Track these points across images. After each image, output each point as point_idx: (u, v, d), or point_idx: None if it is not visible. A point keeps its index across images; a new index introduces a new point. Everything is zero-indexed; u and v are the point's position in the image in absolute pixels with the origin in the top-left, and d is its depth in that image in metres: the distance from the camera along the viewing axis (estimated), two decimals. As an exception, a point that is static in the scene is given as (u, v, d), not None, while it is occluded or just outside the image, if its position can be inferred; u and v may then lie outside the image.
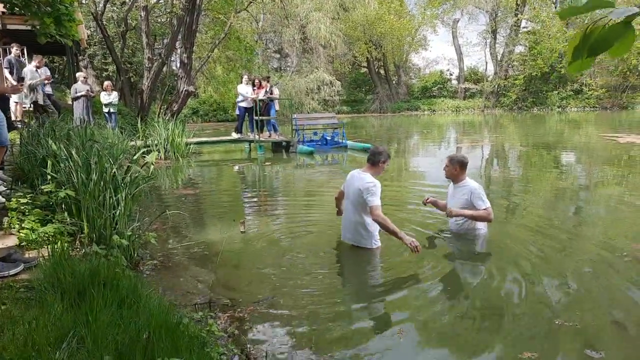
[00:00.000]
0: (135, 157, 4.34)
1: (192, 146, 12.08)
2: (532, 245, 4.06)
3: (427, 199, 4.52)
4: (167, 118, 12.72)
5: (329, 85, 34.72)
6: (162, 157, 11.09)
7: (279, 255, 4.04)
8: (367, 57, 37.72)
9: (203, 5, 18.14)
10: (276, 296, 3.16)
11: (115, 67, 18.15)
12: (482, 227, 4.23)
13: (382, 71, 40.67)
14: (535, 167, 9.38)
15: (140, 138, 11.87)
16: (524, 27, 36.32)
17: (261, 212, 5.84)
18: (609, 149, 11.57)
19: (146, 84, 14.25)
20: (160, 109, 16.01)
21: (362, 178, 3.86)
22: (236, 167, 10.43)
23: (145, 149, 11.04)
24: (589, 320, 2.73)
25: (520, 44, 36.62)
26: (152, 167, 4.39)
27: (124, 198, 3.81)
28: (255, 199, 6.89)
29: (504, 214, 5.33)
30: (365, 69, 40.95)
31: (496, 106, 36.18)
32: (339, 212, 4.36)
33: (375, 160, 3.92)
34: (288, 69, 38.52)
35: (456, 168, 4.18)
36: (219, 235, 4.59)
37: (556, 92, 34.57)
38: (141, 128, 12.25)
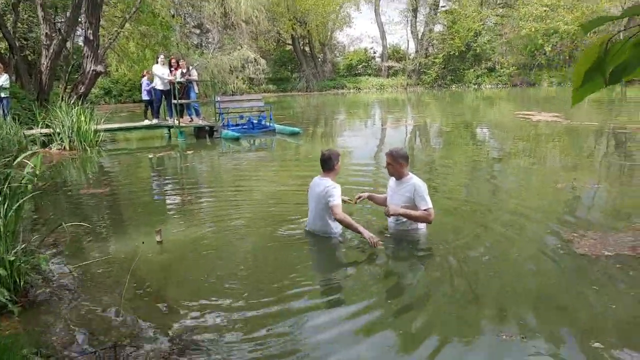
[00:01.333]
0: (16, 161, 3.57)
1: (102, 134, 10.90)
2: (463, 234, 3.97)
3: (359, 196, 4.24)
4: (72, 101, 11.31)
5: (254, 63, 33.54)
6: (67, 147, 9.88)
7: (205, 268, 3.57)
8: (292, 34, 36.85)
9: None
10: (197, 329, 2.72)
11: (7, 44, 15.86)
12: (422, 226, 4.01)
13: (307, 49, 40.05)
14: (458, 147, 9.58)
15: (39, 126, 10.48)
16: (442, 6, 37.46)
17: (183, 213, 5.23)
18: (525, 128, 12.19)
19: (45, 63, 12.56)
20: (64, 91, 14.29)
21: (322, 183, 3.98)
22: (151, 156, 9.48)
23: (43, 139, 9.94)
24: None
25: (439, 23, 37.78)
26: (36, 172, 3.58)
27: (3, 215, 3.10)
28: (176, 196, 6.22)
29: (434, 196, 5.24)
30: (291, 47, 40.08)
31: (418, 84, 37.27)
32: None
33: (329, 167, 4.01)
34: (210, 45, 36.56)
35: (401, 164, 3.87)
36: (132, 247, 3.99)
37: (472, 70, 36.30)
38: (40, 114, 10.81)
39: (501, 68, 35.91)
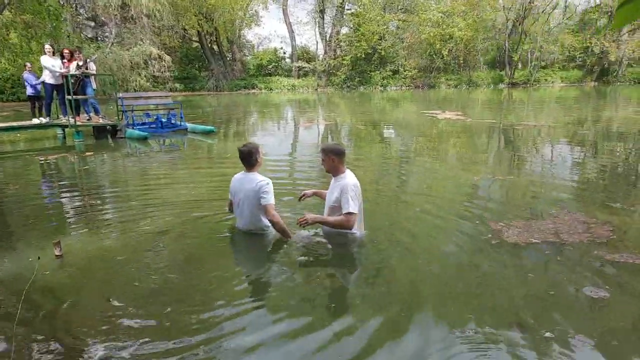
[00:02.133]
0: None
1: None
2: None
3: (304, 194, 4.00)
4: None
5: (158, 60, 31.68)
6: None
7: (116, 282, 3.08)
8: (198, 30, 35.47)
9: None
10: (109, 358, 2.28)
11: None
12: (355, 229, 3.66)
13: (215, 47, 38.83)
14: (372, 144, 9.78)
15: None
16: (347, 9, 38.57)
17: (85, 221, 4.54)
18: (433, 124, 12.86)
19: None
20: None
21: (252, 179, 3.74)
22: (42, 159, 8.36)
23: None
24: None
25: (346, 25, 38.89)
26: None
27: None
28: (75, 203, 5.43)
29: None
30: (197, 44, 38.54)
31: (328, 85, 38.02)
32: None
33: (252, 162, 3.78)
34: (106, 39, 33.73)
35: (333, 159, 3.58)
36: (25, 266, 3.34)
37: (378, 72, 37.93)
38: None
39: (404, 71, 37.94)
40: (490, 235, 3.75)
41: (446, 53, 35.18)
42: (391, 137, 11.32)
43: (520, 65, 38.41)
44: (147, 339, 2.41)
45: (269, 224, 3.77)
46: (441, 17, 33.97)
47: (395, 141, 10.48)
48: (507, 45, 36.28)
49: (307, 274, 3.21)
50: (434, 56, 36.47)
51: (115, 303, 2.79)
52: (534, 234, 3.73)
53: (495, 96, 26.65)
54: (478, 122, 13.07)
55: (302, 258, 3.46)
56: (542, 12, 35.67)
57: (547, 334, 2.37)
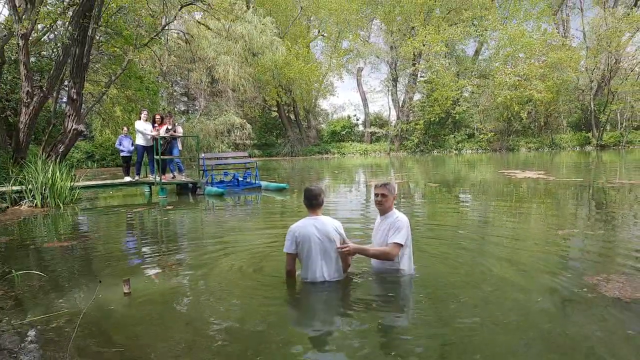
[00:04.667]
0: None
1: (78, 191, 10.41)
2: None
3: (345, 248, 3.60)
4: (51, 160, 10.93)
5: (240, 128, 33.96)
6: (38, 204, 9.31)
7: (180, 324, 3.03)
8: (277, 101, 37.87)
9: (99, 38, 16.75)
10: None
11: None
12: (405, 267, 3.58)
13: (292, 115, 41.04)
14: (449, 201, 9.33)
15: (12, 183, 9.96)
16: (421, 77, 39.29)
17: (158, 265, 4.68)
18: (511, 183, 12.12)
19: (23, 120, 12.26)
20: (43, 150, 13.93)
21: (329, 222, 3.54)
22: (128, 212, 9.02)
23: (14, 196, 9.41)
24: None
25: (419, 92, 39.44)
26: None
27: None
28: (150, 249, 5.67)
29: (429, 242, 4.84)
30: (276, 113, 41.04)
31: (400, 149, 38.06)
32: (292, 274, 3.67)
33: (320, 202, 3.60)
34: (196, 111, 37.15)
35: (395, 197, 3.63)
36: (92, 300, 3.44)
37: (452, 135, 37.42)
38: (13, 171, 10.33)
39: (480, 134, 37.04)
40: (586, 289, 3.25)
41: (525, 115, 33.99)
42: (470, 194, 10.79)
43: (609, 127, 35.93)
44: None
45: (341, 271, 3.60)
46: (518, 80, 33.28)
47: (474, 198, 9.95)
48: (592, 106, 34.30)
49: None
50: (512, 119, 35.37)
51: (177, 343, 2.72)
52: (638, 289, 3.17)
53: (582, 158, 24.88)
54: (562, 180, 12.11)
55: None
56: (632, 70, 33.69)
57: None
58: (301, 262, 3.57)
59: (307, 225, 3.51)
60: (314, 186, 3.68)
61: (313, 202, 3.58)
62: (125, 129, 12.67)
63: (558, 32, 37.67)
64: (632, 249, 4.61)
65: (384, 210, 3.63)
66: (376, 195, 3.62)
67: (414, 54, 36.49)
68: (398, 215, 3.55)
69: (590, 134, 35.16)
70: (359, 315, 3.02)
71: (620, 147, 33.09)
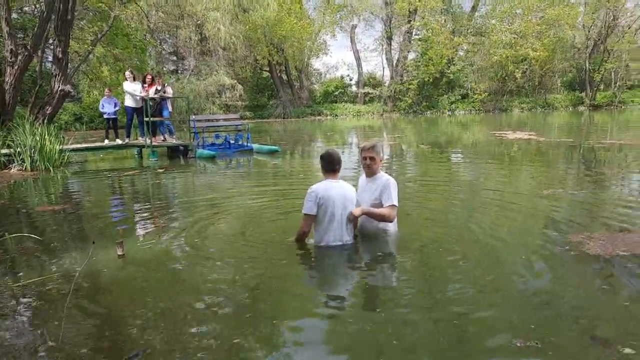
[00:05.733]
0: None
1: (68, 154, 10.30)
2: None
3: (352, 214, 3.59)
4: (39, 123, 10.72)
5: (231, 89, 33.40)
6: (28, 167, 9.23)
7: (174, 285, 3.09)
8: (269, 61, 36.99)
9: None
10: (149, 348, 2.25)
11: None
12: (392, 227, 3.72)
13: (284, 76, 40.27)
14: (439, 162, 9.39)
15: (0, 146, 9.82)
16: (416, 35, 38.43)
17: (151, 227, 4.73)
18: (503, 144, 12.18)
19: (8, 81, 11.91)
20: (30, 112, 13.65)
21: (348, 187, 3.59)
22: (118, 175, 8.98)
23: (3, 160, 9.31)
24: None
25: (413, 51, 38.65)
26: None
27: None
28: (142, 212, 5.68)
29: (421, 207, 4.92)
30: (268, 73, 40.23)
31: (393, 110, 37.72)
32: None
33: (339, 167, 3.58)
34: (185, 71, 36.30)
35: (382, 159, 3.69)
36: (88, 263, 3.48)
37: (446, 96, 37.04)
38: (0, 134, 10.15)
39: (474, 94, 36.74)
40: (568, 247, 3.35)
41: (519, 75, 33.65)
42: (461, 155, 10.85)
43: (602, 87, 35.77)
44: (194, 342, 2.36)
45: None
46: (514, 38, 32.68)
47: (464, 159, 10.01)
48: (587, 65, 33.94)
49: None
50: (506, 79, 35.02)
51: (161, 304, 2.79)
52: (619, 247, 3.27)
53: (574, 119, 24.90)
54: (553, 141, 12.18)
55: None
56: (629, 28, 33.19)
57: (627, 350, 2.01)
58: (317, 226, 3.51)
59: (330, 189, 3.45)
60: (333, 150, 3.66)
61: (336, 166, 3.55)
62: (107, 90, 12.29)
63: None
64: (618, 208, 4.71)
65: (372, 172, 3.69)
66: (364, 158, 3.65)
67: (409, 10, 35.50)
68: (388, 178, 3.62)
69: (584, 94, 35.04)
70: (368, 276, 3.15)
71: (613, 107, 33.10)
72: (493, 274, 3.02)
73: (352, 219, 3.53)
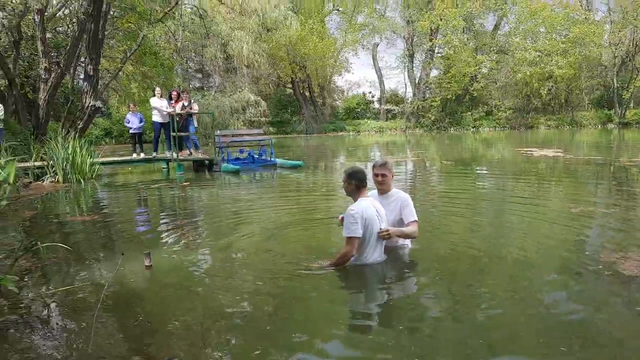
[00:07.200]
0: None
1: (98, 167, 10.60)
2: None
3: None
4: (71, 137, 11.12)
5: (255, 105, 33.87)
6: (60, 179, 9.53)
7: (198, 298, 3.12)
8: (292, 78, 37.54)
9: (113, 14, 16.69)
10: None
11: (7, 80, 15.91)
12: (409, 241, 3.81)
13: (307, 92, 40.72)
14: (464, 179, 9.27)
15: (34, 159, 10.19)
16: (438, 52, 38.43)
17: (177, 240, 4.79)
18: (529, 162, 11.95)
19: (43, 97, 12.47)
20: (62, 127, 14.16)
21: (377, 204, 3.55)
22: (146, 188, 9.19)
23: (37, 172, 9.64)
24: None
25: (436, 68, 38.64)
26: (7, 187, 3.21)
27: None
28: (169, 224, 5.78)
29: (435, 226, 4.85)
30: (291, 90, 40.76)
31: (417, 127, 37.59)
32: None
33: (366, 182, 3.54)
34: (211, 88, 37.12)
35: (393, 175, 3.77)
36: (117, 273, 3.55)
37: (469, 113, 36.74)
38: (35, 148, 10.55)
39: (498, 111, 36.33)
40: (602, 267, 3.24)
41: (544, 92, 33.15)
42: (486, 172, 10.69)
43: (632, 104, 34.88)
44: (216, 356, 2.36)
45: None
46: (538, 55, 32.30)
47: (489, 176, 9.86)
48: (615, 82, 33.24)
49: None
50: (531, 96, 34.55)
51: (187, 315, 2.81)
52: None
53: (603, 137, 24.29)
54: (581, 158, 11.88)
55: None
56: (658, 45, 32.46)
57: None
58: (361, 245, 3.40)
59: (368, 207, 3.39)
60: (358, 167, 3.66)
61: (364, 183, 3.50)
62: (131, 105, 12.66)
63: (581, 5, 36.27)
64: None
65: (385, 190, 3.72)
66: (376, 175, 3.68)
67: (430, 28, 35.61)
68: (403, 194, 3.71)
69: (612, 112, 34.23)
70: (395, 291, 3.18)
71: (643, 125, 32.21)
72: (521, 292, 2.95)
73: (388, 239, 3.48)
